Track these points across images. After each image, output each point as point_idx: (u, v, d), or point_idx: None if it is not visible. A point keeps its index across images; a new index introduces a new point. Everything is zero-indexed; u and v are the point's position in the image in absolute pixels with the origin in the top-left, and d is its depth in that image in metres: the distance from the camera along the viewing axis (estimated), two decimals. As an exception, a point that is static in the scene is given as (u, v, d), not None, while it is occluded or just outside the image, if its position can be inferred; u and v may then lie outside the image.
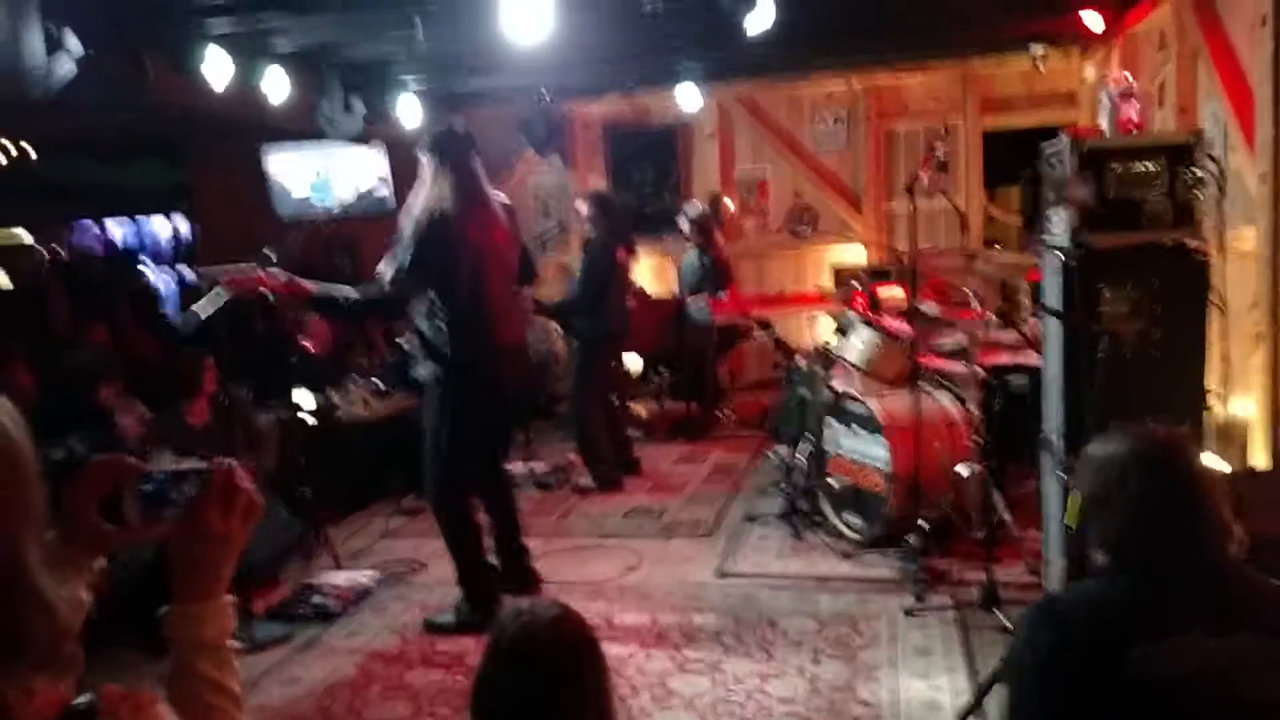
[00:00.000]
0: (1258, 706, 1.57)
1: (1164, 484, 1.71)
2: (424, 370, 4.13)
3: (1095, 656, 1.62)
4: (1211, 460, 3.99)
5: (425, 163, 4.11)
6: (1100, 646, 1.63)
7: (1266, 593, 1.71)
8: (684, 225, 7.53)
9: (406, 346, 4.21)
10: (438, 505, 4.22)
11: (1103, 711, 1.62)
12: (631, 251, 6.55)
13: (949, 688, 3.48)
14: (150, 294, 11.42)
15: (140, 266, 12.79)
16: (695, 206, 7.79)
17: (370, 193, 8.53)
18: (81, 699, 1.05)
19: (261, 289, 3.85)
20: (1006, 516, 4.49)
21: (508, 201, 4.40)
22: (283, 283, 3.85)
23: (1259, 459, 4.46)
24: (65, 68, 4.44)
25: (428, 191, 4.05)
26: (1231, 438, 4.72)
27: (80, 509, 1.26)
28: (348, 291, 4.16)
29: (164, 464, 3.96)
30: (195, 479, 1.26)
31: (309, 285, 3.95)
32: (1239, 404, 4.78)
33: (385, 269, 4.08)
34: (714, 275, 7.41)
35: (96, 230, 13.68)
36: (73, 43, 4.47)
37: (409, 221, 4.02)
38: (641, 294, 7.35)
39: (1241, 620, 1.62)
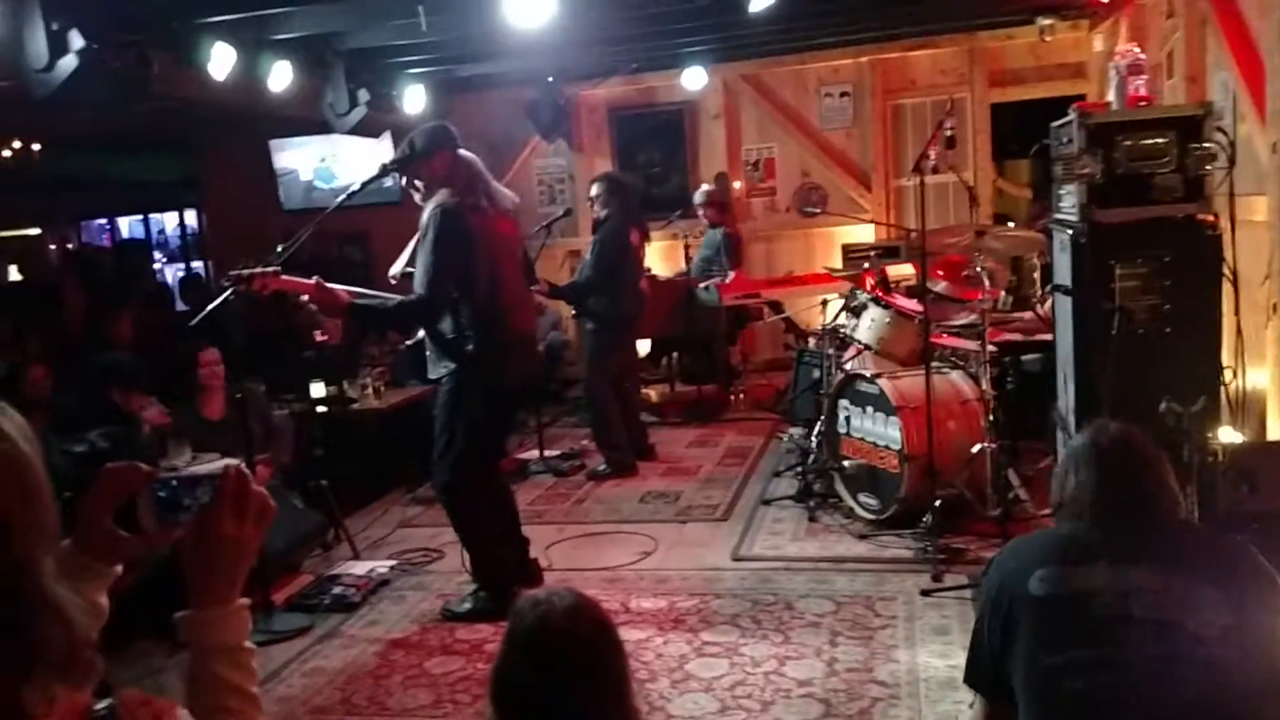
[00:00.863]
0: (1143, 621, 1.85)
1: (1109, 456, 2.03)
2: (442, 369, 4.10)
3: (1013, 579, 1.98)
4: (1227, 434, 3.97)
5: (419, 171, 4.06)
6: (1018, 572, 1.98)
7: (1195, 540, 2.07)
8: (700, 211, 7.64)
9: (423, 345, 4.19)
10: (450, 496, 4.22)
11: (1020, 620, 1.94)
12: (645, 234, 6.51)
13: (966, 666, 3.48)
14: (163, 289, 11.47)
15: (154, 264, 12.86)
16: (701, 191, 7.86)
17: (379, 183, 8.52)
18: (101, 705, 1.06)
19: (300, 294, 3.81)
20: (1022, 494, 4.49)
21: (514, 196, 4.37)
22: (316, 288, 3.82)
23: (1273, 431, 4.43)
24: (67, 64, 4.44)
25: (436, 191, 4.01)
26: (1248, 410, 4.69)
27: (95, 517, 1.27)
28: (387, 297, 4.12)
29: (183, 460, 3.96)
30: (208, 484, 1.26)
31: (345, 291, 3.91)
32: (1255, 376, 4.75)
33: (396, 271, 4.06)
34: (729, 251, 7.48)
35: (106, 225, 13.75)
36: (75, 39, 4.47)
37: (426, 225, 3.96)
38: (650, 277, 7.33)
39: (1153, 554, 1.92)
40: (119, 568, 1.31)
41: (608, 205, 6.26)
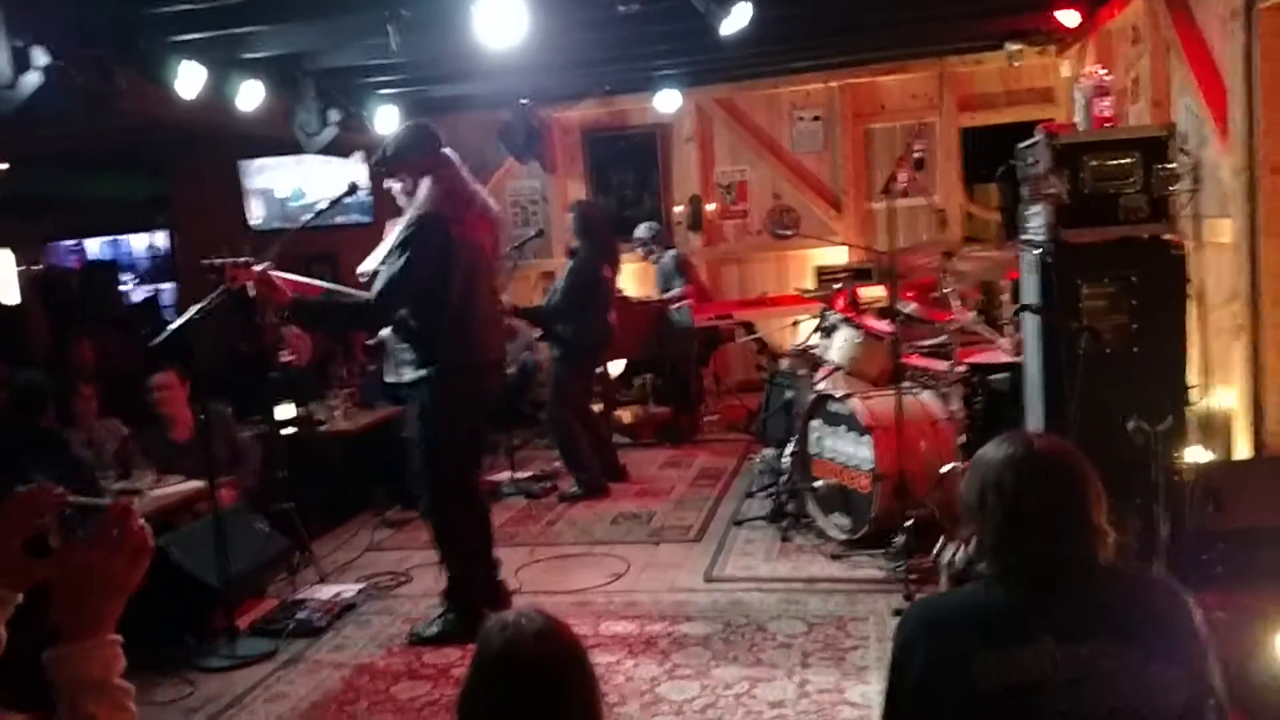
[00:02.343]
0: (1101, 713, 1.63)
1: (1034, 489, 1.75)
2: (406, 372, 4.02)
3: (943, 667, 1.71)
4: (1195, 453, 4.00)
5: (402, 171, 4.01)
6: (949, 658, 1.71)
7: (1131, 595, 1.78)
8: (640, 250, 7.84)
9: (386, 344, 4.13)
10: (432, 510, 4.15)
11: (957, 714, 1.70)
12: (616, 266, 6.52)
13: (938, 687, 3.46)
14: (131, 310, 11.36)
15: (123, 285, 12.73)
16: (641, 229, 7.94)
17: (348, 203, 8.49)
18: None
19: (266, 285, 3.77)
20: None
21: (495, 206, 4.30)
22: (286, 281, 3.79)
23: (1241, 451, 4.47)
24: (32, 80, 4.39)
25: (415, 196, 3.95)
26: (1214, 429, 4.73)
27: (3, 541, 1.25)
28: (353, 294, 4.07)
29: (145, 483, 3.88)
30: (94, 515, 1.25)
31: (319, 285, 3.89)
32: (1221, 396, 4.79)
33: (367, 269, 3.99)
34: (682, 271, 7.63)
35: (74, 246, 13.60)
36: (39, 55, 4.42)
37: (398, 227, 3.91)
38: (623, 299, 7.33)
39: (1098, 625, 1.69)
40: (20, 595, 1.28)
41: (580, 236, 6.27)
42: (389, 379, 4.16)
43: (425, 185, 3.95)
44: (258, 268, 3.78)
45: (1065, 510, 1.75)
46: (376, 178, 4.19)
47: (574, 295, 6.15)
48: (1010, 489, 1.75)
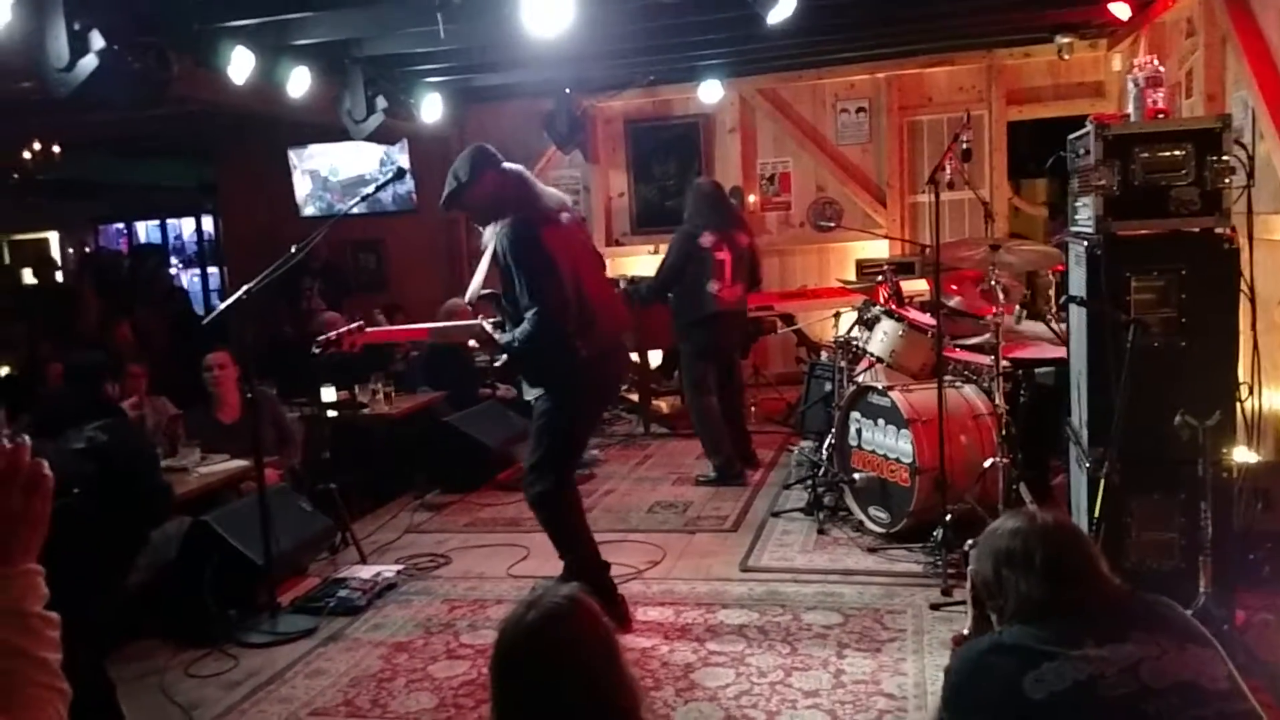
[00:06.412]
0: (1161, 690, 1.76)
1: (1040, 544, 1.96)
2: (539, 390, 4.01)
3: (1003, 694, 1.83)
4: (1242, 454, 3.93)
5: (463, 202, 3.99)
6: (1004, 683, 1.83)
7: (1146, 604, 1.99)
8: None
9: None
10: (549, 507, 4.11)
11: None
12: (726, 238, 6.09)
13: (975, 681, 3.44)
14: (177, 294, 11.56)
15: (170, 269, 12.95)
16: None
17: (394, 189, 8.56)
18: None
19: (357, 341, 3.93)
20: (1033, 509, 4.44)
21: (564, 197, 4.21)
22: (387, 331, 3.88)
23: (1292, 451, 4.38)
24: (88, 64, 4.48)
25: (492, 212, 3.91)
26: (1264, 430, 4.64)
27: None
28: (477, 332, 4.03)
29: (192, 460, 3.95)
30: None
31: (424, 328, 3.96)
32: (1271, 396, 4.70)
33: (474, 294, 3.99)
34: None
35: (123, 230, 13.85)
36: (96, 39, 4.51)
37: (488, 251, 3.89)
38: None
39: (1132, 625, 1.87)
40: None
41: (687, 210, 6.22)
42: (529, 398, 4.10)
43: (495, 202, 3.91)
44: (374, 329, 3.89)
45: (1073, 550, 1.97)
46: (419, 163, 4.20)
47: (667, 268, 6.09)
48: (1020, 551, 1.96)
